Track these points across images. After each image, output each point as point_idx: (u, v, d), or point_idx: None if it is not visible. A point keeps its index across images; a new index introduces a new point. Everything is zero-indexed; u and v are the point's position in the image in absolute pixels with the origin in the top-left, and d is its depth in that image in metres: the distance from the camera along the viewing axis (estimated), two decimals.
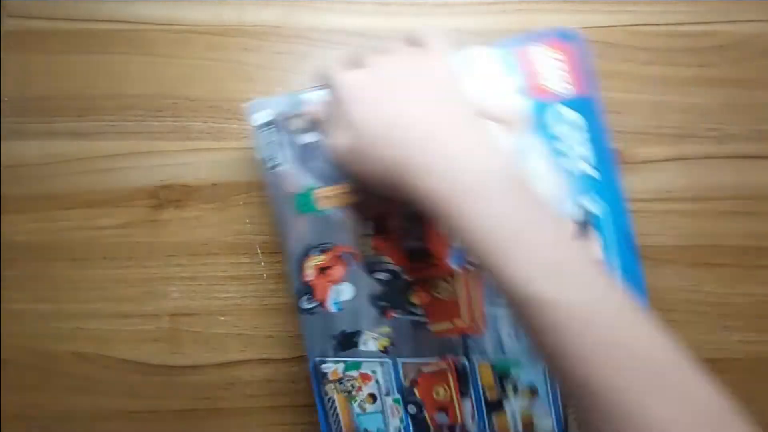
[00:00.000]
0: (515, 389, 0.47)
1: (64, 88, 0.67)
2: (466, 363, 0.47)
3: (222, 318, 0.65)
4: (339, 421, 0.49)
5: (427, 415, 0.48)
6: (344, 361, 0.49)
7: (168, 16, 0.68)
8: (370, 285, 0.50)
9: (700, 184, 0.68)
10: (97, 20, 0.68)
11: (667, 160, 0.68)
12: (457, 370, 0.49)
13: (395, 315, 0.50)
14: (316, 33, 0.68)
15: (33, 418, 0.67)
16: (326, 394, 0.49)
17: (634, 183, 0.67)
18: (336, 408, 0.49)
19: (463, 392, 0.49)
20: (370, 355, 0.50)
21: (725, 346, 0.68)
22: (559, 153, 0.48)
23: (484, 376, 0.49)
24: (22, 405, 0.66)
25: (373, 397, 0.50)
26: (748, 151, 0.68)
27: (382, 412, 0.50)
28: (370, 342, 0.50)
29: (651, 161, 0.68)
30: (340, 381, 0.50)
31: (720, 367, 0.66)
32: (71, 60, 0.67)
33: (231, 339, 0.65)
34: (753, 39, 0.68)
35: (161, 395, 0.67)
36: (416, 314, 0.50)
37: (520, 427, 0.47)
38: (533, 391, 0.47)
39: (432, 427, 0.50)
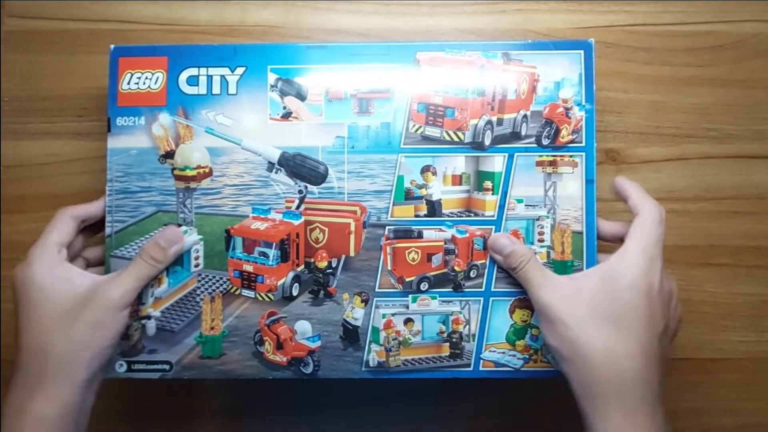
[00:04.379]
0: None
1: (65, 88, 0.76)
2: None
3: None
4: None
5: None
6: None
7: (169, 16, 0.77)
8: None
9: (700, 184, 0.76)
10: (97, 20, 0.77)
11: (666, 160, 0.76)
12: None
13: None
14: (317, 33, 0.77)
15: None
16: None
17: None
18: None
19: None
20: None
21: (725, 346, 0.77)
22: None
23: None
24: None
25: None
26: (748, 151, 0.76)
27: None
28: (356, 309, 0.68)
29: (650, 161, 0.77)
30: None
31: (720, 367, 0.78)
32: (71, 60, 0.77)
33: None
34: (752, 39, 0.77)
35: (162, 394, 0.78)
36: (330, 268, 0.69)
37: None
38: None
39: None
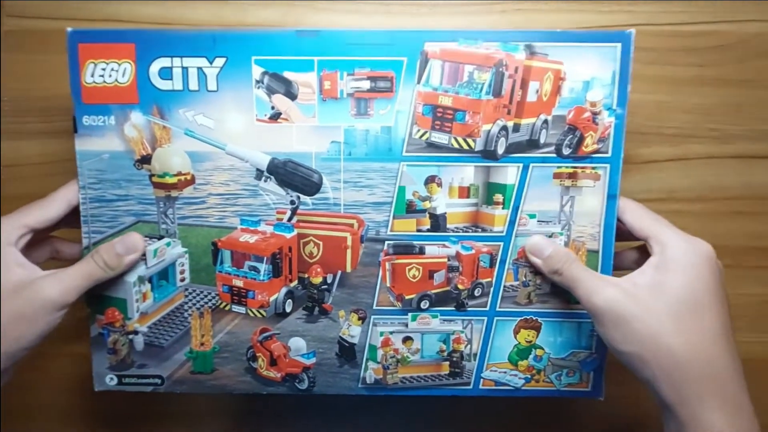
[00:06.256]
0: None
1: (64, 88, 0.44)
2: None
3: None
4: None
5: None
6: None
7: (168, 16, 0.49)
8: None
9: (702, 185, 0.49)
10: (96, 20, 0.49)
11: (668, 160, 0.49)
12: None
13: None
14: None
15: (33, 418, 0.50)
16: None
17: (635, 183, 0.49)
18: None
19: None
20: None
21: None
22: None
23: None
24: (22, 405, 0.49)
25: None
26: (750, 151, 0.49)
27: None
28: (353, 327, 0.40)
29: (653, 161, 0.49)
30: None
31: None
32: None
33: None
34: (753, 39, 0.48)
35: (162, 396, 0.51)
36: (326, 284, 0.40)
37: None
38: None
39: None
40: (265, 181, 0.37)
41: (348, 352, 0.40)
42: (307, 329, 0.40)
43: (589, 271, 0.35)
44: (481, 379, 0.40)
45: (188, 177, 0.37)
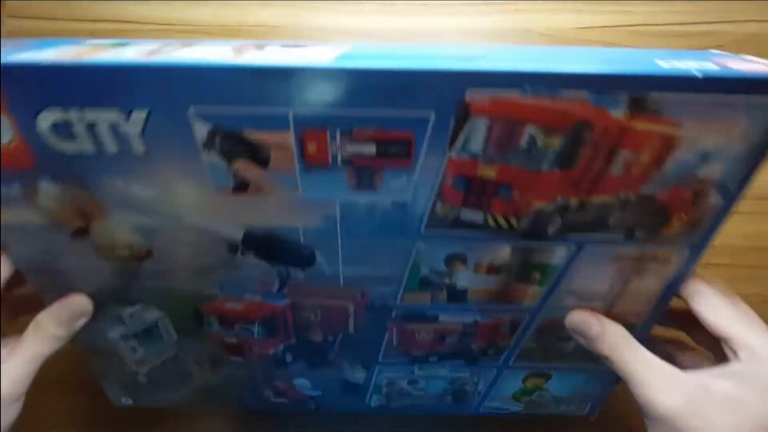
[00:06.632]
0: None
1: None
2: None
3: None
4: None
5: None
6: None
7: (168, 16, 0.31)
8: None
9: None
10: (96, 20, 0.32)
11: None
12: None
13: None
14: (318, 33, 0.31)
15: (33, 417, 0.41)
16: None
17: None
18: None
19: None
20: None
21: None
22: None
23: None
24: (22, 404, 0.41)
25: None
26: None
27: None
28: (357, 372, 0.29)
29: None
30: None
31: None
32: None
33: None
34: (754, 39, 0.34)
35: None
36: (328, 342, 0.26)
37: None
38: None
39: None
40: (243, 254, 0.20)
41: (352, 389, 0.28)
42: (311, 373, 0.27)
43: (646, 359, 0.23)
44: (482, 407, 0.29)
45: (142, 252, 0.20)
